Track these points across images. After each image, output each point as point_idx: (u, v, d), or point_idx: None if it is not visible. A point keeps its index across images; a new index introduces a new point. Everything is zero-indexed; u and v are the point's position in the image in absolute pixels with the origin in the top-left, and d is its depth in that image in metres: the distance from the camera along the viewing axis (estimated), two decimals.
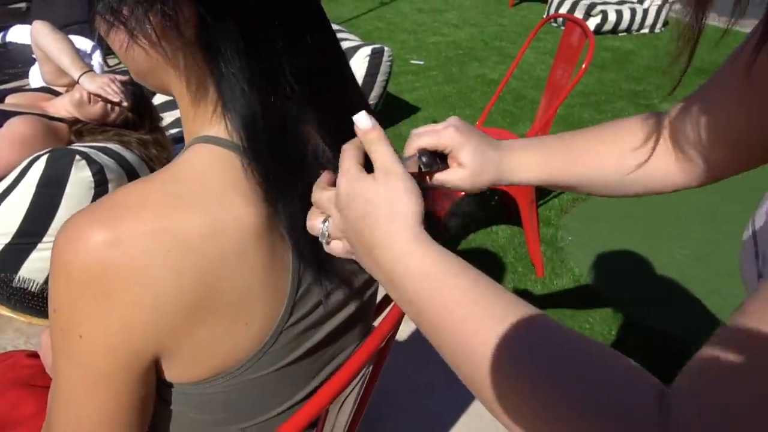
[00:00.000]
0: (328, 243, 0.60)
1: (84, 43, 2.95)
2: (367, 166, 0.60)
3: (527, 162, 0.76)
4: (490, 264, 2.70)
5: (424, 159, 0.70)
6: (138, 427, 0.63)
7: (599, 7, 6.93)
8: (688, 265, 2.72)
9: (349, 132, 0.69)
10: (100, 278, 0.53)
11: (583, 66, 2.25)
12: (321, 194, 0.60)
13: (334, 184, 0.60)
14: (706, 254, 2.81)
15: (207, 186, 0.58)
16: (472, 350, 0.47)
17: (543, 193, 3.22)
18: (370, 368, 0.94)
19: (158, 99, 2.88)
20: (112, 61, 3.40)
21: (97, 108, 2.20)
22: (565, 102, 4.43)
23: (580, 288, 2.55)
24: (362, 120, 0.59)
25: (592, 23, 6.85)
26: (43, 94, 2.35)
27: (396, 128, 4.15)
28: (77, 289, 0.54)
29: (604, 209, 3.13)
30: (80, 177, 1.92)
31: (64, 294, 0.55)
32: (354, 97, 0.73)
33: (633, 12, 7.08)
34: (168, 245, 0.55)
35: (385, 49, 3.61)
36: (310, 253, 0.64)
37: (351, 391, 0.88)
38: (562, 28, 2.72)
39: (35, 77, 2.65)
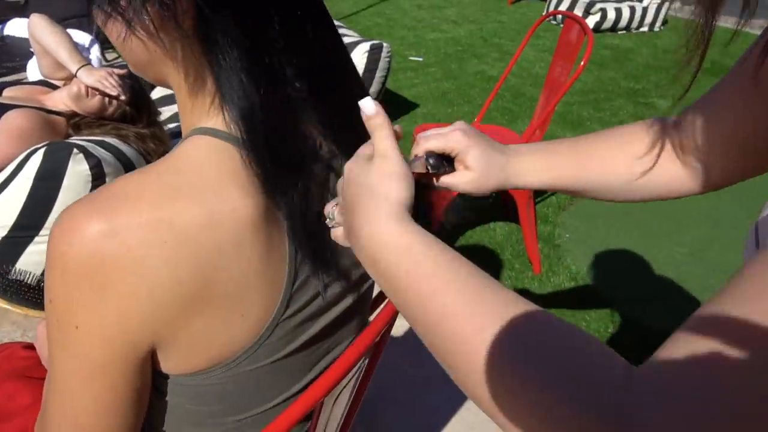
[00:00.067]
0: (333, 228, 0.62)
1: (82, 37, 2.94)
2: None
3: (533, 166, 0.76)
4: (487, 261, 2.70)
5: (431, 161, 0.71)
6: (133, 418, 0.63)
7: (598, 5, 6.93)
8: (684, 263, 2.72)
9: (348, 125, 0.70)
10: (96, 269, 0.53)
11: (582, 63, 2.25)
12: (339, 181, 0.62)
13: None
14: (702, 252, 2.81)
15: (204, 177, 0.58)
16: (449, 328, 0.47)
17: (541, 190, 3.22)
18: (366, 362, 0.94)
19: (156, 93, 2.88)
20: (110, 56, 3.39)
21: (94, 101, 2.20)
22: (563, 100, 4.44)
23: (577, 285, 2.56)
24: (368, 105, 0.60)
25: (591, 21, 6.85)
26: (41, 87, 2.34)
27: (394, 124, 4.14)
28: (73, 280, 0.54)
29: (601, 207, 3.13)
30: (77, 170, 1.91)
31: (60, 285, 0.55)
32: (355, 91, 0.73)
33: (632, 10, 7.08)
34: (165, 236, 0.55)
35: (384, 45, 3.60)
36: (308, 245, 0.64)
37: (346, 384, 0.88)
38: (561, 25, 2.71)
39: (33, 71, 2.65)
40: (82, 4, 3.24)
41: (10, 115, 2.02)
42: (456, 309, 0.48)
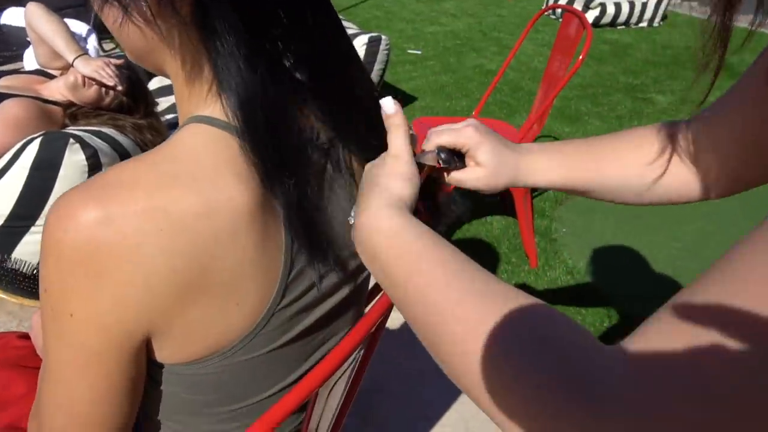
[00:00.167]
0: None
1: (79, 27, 2.93)
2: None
3: (545, 165, 0.77)
4: (484, 254, 2.71)
5: (443, 155, 0.71)
6: (128, 407, 0.63)
7: (598, 0, 6.92)
8: (680, 258, 2.73)
9: (348, 114, 0.70)
10: (91, 257, 0.53)
11: (580, 57, 2.24)
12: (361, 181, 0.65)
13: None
14: (698, 247, 2.82)
15: (201, 165, 0.58)
16: (443, 322, 0.48)
17: None
18: (361, 353, 0.94)
19: (154, 84, 2.87)
20: (107, 46, 3.37)
21: (91, 92, 2.19)
22: (562, 94, 4.44)
23: (573, 279, 2.56)
24: (388, 104, 0.64)
25: (590, 16, 6.84)
26: (38, 76, 2.33)
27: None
28: (68, 268, 0.54)
29: (598, 202, 3.12)
30: (74, 160, 1.91)
31: (55, 273, 0.55)
32: (357, 79, 0.73)
33: (632, 5, 7.07)
34: (160, 224, 0.54)
35: (383, 37, 3.59)
36: (304, 235, 0.64)
37: (341, 375, 0.88)
38: (560, 20, 2.71)
39: (30, 60, 2.63)
40: None
41: (7, 104, 2.01)
42: (450, 303, 0.48)
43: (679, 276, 2.60)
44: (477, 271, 0.50)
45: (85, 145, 1.94)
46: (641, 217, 3.04)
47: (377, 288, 0.97)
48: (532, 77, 5.21)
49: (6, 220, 1.91)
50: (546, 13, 7.18)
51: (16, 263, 1.95)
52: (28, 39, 2.37)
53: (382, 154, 0.65)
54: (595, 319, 2.32)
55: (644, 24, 7.29)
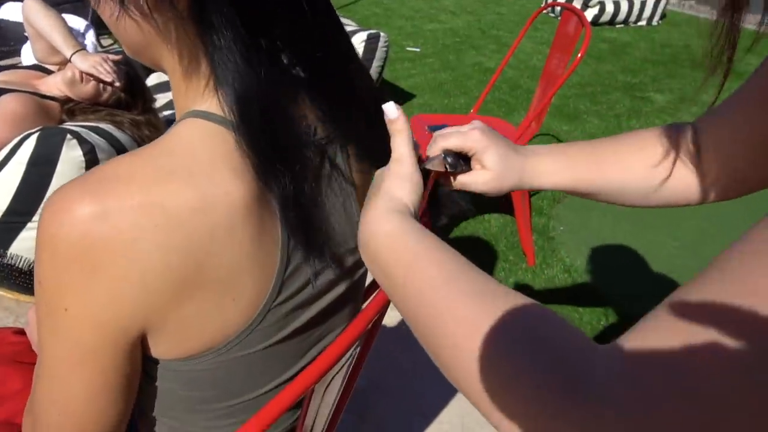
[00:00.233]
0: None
1: (77, 22, 2.92)
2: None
3: (551, 168, 0.77)
4: (481, 252, 2.71)
5: (449, 159, 0.72)
6: (123, 404, 0.63)
7: None
8: (678, 256, 2.73)
9: (347, 111, 0.70)
10: (86, 252, 0.53)
11: (579, 55, 2.24)
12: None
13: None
14: (696, 245, 2.82)
15: (197, 160, 0.58)
16: (441, 324, 0.48)
17: None
18: (358, 349, 0.94)
19: (152, 80, 2.86)
20: (105, 41, 3.37)
21: (89, 87, 2.18)
22: (560, 92, 4.44)
23: (571, 278, 2.56)
24: (390, 109, 0.65)
25: (589, 14, 6.84)
26: (35, 72, 2.32)
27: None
28: (63, 263, 0.54)
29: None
30: (71, 156, 1.90)
31: (50, 268, 0.55)
32: (356, 77, 0.72)
33: (631, 4, 7.07)
34: (156, 220, 0.54)
35: (381, 34, 3.59)
36: (300, 231, 0.64)
37: (338, 371, 0.88)
38: (559, 18, 2.71)
39: (27, 55, 2.63)
40: None
41: (4, 99, 2.01)
42: (448, 304, 0.48)
43: (677, 274, 2.60)
44: (476, 274, 0.50)
45: (82, 141, 1.93)
46: (639, 216, 3.04)
47: (374, 285, 0.97)
48: (530, 75, 5.21)
49: (3, 216, 1.90)
50: (545, 11, 7.18)
51: (12, 259, 1.94)
52: (26, 34, 2.36)
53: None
54: (592, 318, 2.32)
55: (643, 23, 7.29)
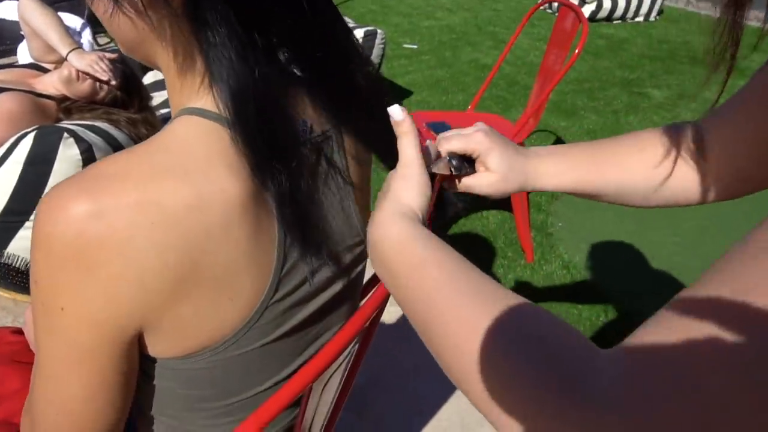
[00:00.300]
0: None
1: (73, 21, 2.91)
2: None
3: (554, 169, 0.77)
4: (479, 248, 2.71)
5: (454, 162, 0.72)
6: (121, 402, 0.62)
7: None
8: (677, 253, 2.73)
9: (347, 108, 0.69)
10: (81, 251, 0.52)
11: (576, 51, 2.24)
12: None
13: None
14: (695, 242, 2.82)
15: (193, 157, 0.57)
16: (443, 325, 0.49)
17: None
18: (356, 347, 0.94)
19: (148, 78, 2.86)
20: (102, 40, 3.36)
21: (85, 86, 2.18)
22: (558, 89, 4.44)
23: (569, 274, 2.56)
24: (396, 112, 0.65)
25: (587, 10, 6.83)
26: (31, 70, 2.31)
27: None
28: (58, 263, 0.53)
29: None
30: (68, 155, 1.90)
31: (45, 267, 0.54)
32: (356, 70, 0.72)
33: (628, 0, 7.06)
34: (152, 217, 0.54)
35: (378, 31, 3.58)
36: (297, 229, 0.64)
37: (336, 369, 0.88)
38: (557, 14, 2.70)
39: (23, 54, 2.62)
40: None
41: (0, 98, 2.00)
42: (451, 306, 0.48)
43: (676, 271, 2.60)
44: (480, 277, 0.51)
45: (79, 140, 1.93)
46: (638, 212, 3.04)
47: (372, 283, 0.97)
48: (527, 72, 5.21)
49: (0, 216, 1.90)
50: (542, 7, 7.17)
51: (9, 258, 1.94)
52: (22, 33, 2.35)
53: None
54: (591, 314, 2.32)
55: (640, 18, 7.29)
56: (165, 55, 0.62)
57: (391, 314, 2.11)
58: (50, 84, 2.20)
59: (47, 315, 0.56)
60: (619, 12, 7.06)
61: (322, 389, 0.87)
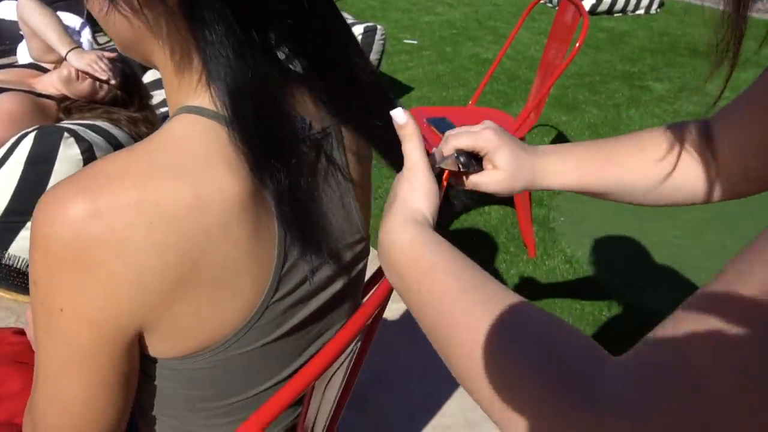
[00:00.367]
0: None
1: (72, 20, 2.90)
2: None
3: (560, 168, 0.77)
4: (482, 244, 2.70)
5: (462, 159, 0.72)
6: (122, 403, 0.62)
7: None
8: (678, 246, 2.73)
9: (346, 106, 0.69)
10: (79, 252, 0.52)
11: (577, 45, 2.23)
12: None
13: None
14: (697, 235, 2.81)
15: (191, 157, 0.57)
16: (450, 327, 0.49)
17: None
18: (359, 344, 0.93)
19: (148, 77, 2.85)
20: (101, 39, 3.35)
21: (85, 85, 2.17)
22: (559, 82, 4.42)
23: (572, 269, 2.56)
24: (399, 115, 0.64)
25: (587, 3, 6.81)
26: (31, 70, 2.31)
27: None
28: (56, 263, 0.53)
29: None
30: (69, 154, 1.90)
31: (43, 267, 0.54)
32: (356, 66, 0.71)
33: None
34: (151, 217, 0.54)
35: (378, 27, 3.58)
36: (297, 227, 0.64)
37: (339, 367, 0.87)
38: (557, 8, 2.69)
39: (23, 54, 2.61)
40: None
41: (0, 98, 2.00)
42: (460, 311, 0.49)
43: (678, 264, 2.59)
44: (491, 283, 0.51)
45: (79, 139, 1.93)
46: (640, 206, 3.02)
47: (373, 280, 0.97)
48: (528, 66, 5.19)
49: (1, 216, 1.90)
50: (542, 1, 7.16)
51: (11, 259, 1.94)
52: (21, 33, 2.35)
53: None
54: (594, 309, 2.31)
55: (641, 11, 7.26)
56: (162, 54, 0.62)
57: (393, 311, 2.11)
58: (50, 84, 2.20)
59: (46, 315, 0.56)
60: (619, 5, 7.03)
61: (325, 387, 0.86)
